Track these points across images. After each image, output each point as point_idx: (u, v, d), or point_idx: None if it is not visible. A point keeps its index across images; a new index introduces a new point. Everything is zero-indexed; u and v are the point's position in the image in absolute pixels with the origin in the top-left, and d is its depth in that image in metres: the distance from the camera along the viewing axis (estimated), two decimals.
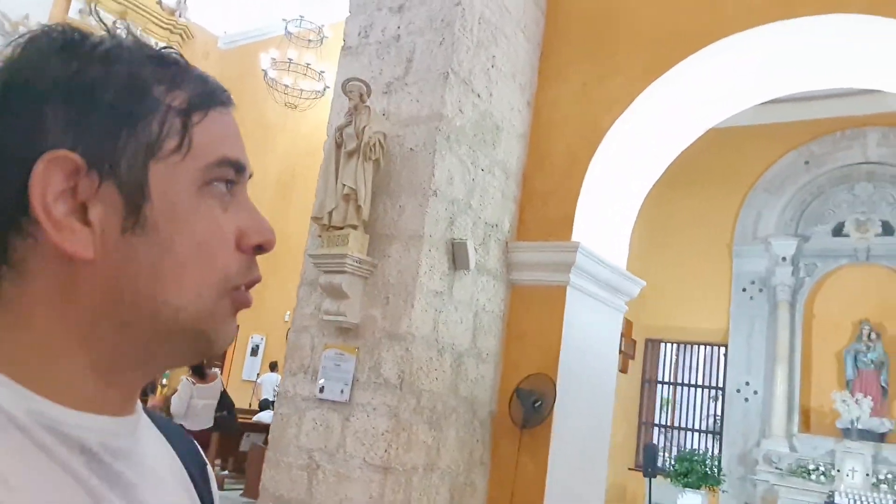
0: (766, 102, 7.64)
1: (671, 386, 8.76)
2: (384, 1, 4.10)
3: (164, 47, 0.57)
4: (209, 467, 0.68)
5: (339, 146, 3.70)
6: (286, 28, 9.58)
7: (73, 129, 0.50)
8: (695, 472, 6.59)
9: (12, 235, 0.50)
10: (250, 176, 0.59)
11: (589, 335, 4.29)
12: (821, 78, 4.16)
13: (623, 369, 8.07)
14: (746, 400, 7.46)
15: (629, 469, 8.02)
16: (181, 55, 0.58)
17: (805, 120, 7.61)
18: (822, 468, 6.63)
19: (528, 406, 3.85)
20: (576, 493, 4.12)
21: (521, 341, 4.12)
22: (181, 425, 0.65)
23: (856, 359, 7.06)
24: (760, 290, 7.66)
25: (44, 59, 0.51)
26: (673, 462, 7.19)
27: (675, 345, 8.79)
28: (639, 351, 8.51)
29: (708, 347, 8.45)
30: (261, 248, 0.57)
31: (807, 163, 7.68)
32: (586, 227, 4.25)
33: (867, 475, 6.36)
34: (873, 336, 7.01)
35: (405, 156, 3.72)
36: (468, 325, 3.86)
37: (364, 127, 3.62)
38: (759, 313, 7.58)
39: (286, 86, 9.62)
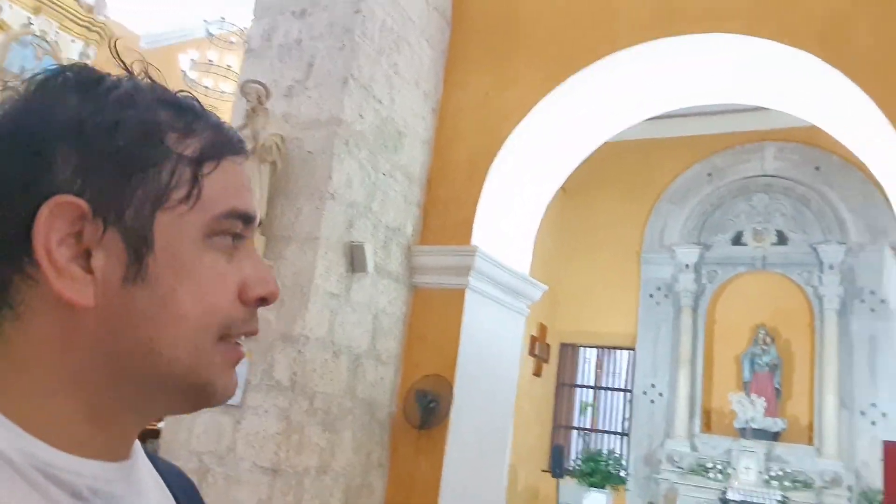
0: (673, 116, 8.02)
1: (593, 390, 9.00)
2: (287, 5, 4.11)
3: (181, 91, 0.57)
4: None
5: None
6: (207, 30, 9.42)
7: (82, 173, 0.49)
8: (599, 473, 6.81)
9: (14, 276, 0.49)
10: (260, 223, 0.60)
11: (488, 337, 4.39)
12: (706, 94, 4.39)
13: (537, 372, 8.27)
14: (652, 402, 7.74)
15: (542, 471, 8.19)
16: (198, 100, 0.57)
17: (709, 134, 7.98)
18: (719, 466, 6.96)
19: (425, 407, 3.91)
20: (472, 494, 4.19)
21: (422, 343, 4.19)
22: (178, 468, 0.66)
23: (752, 362, 7.44)
24: (666, 296, 7.97)
25: (58, 100, 0.51)
26: (580, 463, 7.39)
27: (597, 349, 9.04)
28: (553, 354, 8.71)
29: (623, 351, 8.72)
30: (264, 301, 0.56)
31: (709, 175, 8.06)
32: (486, 233, 4.36)
33: (760, 472, 6.70)
34: (768, 340, 7.41)
35: (304, 158, 3.73)
36: (367, 328, 3.90)
37: (261, 129, 3.63)
38: (665, 318, 7.89)
39: (206, 87, 9.46)
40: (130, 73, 0.55)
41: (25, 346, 0.50)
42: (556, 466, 6.59)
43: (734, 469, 6.87)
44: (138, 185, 0.50)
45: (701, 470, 7.00)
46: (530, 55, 4.34)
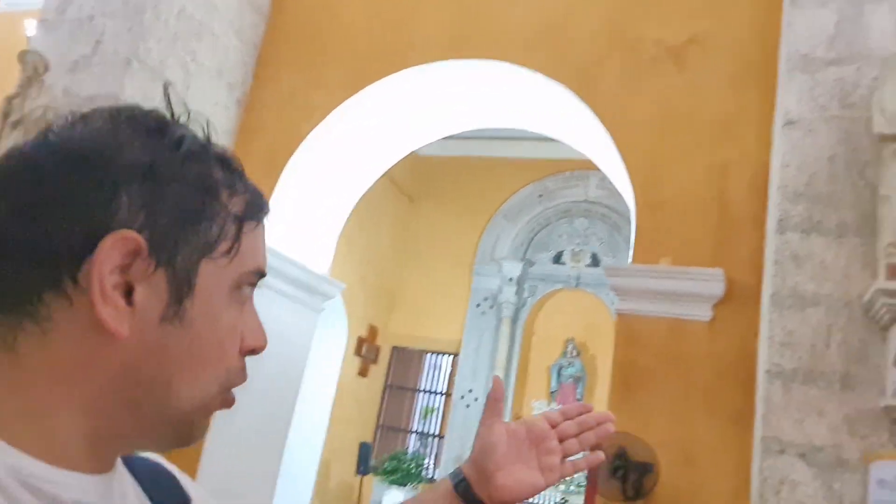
0: (515, 139, 8.46)
1: (433, 394, 9.23)
2: None
3: (226, 150, 0.60)
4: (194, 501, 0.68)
5: (6, 116, 3.61)
6: None
7: (145, 211, 0.52)
8: (401, 471, 7.04)
9: (48, 292, 0.50)
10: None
11: (271, 332, 4.47)
12: (493, 118, 4.71)
13: (362, 373, 8.42)
14: (468, 406, 8.09)
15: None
16: (239, 160, 0.61)
17: (545, 158, 8.45)
18: None
19: None
20: (238, 489, 4.23)
21: None
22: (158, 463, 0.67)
23: (559, 373, 7.95)
24: (491, 307, 8.37)
25: (128, 139, 0.53)
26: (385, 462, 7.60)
27: (434, 354, 9.30)
28: (384, 357, 8.90)
29: (451, 356, 9.03)
30: (253, 352, 0.60)
31: (540, 196, 8.54)
32: (280, 229, 4.45)
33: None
34: (575, 353, 7.94)
35: None
36: None
37: (31, 101, 3.57)
38: (488, 327, 8.28)
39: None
40: (187, 126, 0.58)
41: (42, 362, 0.51)
42: (362, 464, 6.76)
43: None
44: (193, 233, 0.54)
45: None
46: (338, 60, 4.50)
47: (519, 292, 8.26)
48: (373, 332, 8.51)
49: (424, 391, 9.21)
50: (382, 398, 8.96)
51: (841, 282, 2.26)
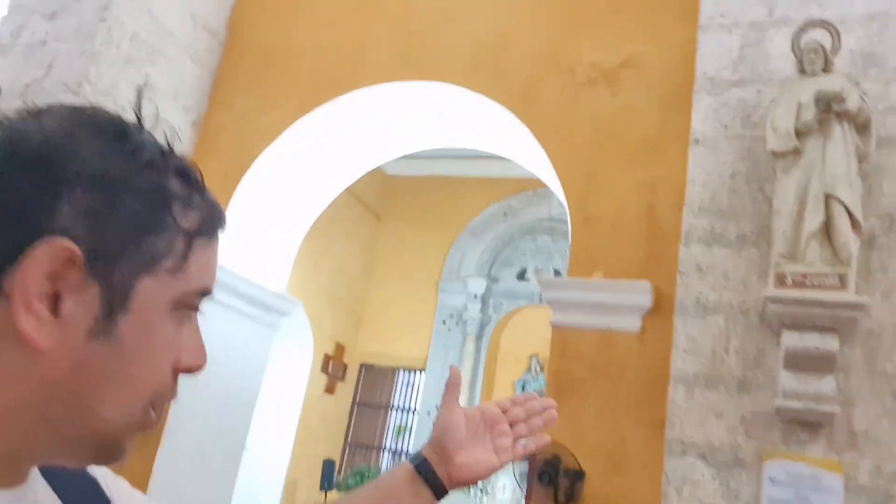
0: (481, 157, 8.61)
1: (406, 412, 9.28)
2: (39, 7, 4.17)
3: (186, 160, 0.57)
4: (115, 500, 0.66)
5: None
6: None
7: (88, 221, 0.49)
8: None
9: None
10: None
11: (225, 349, 4.53)
12: (442, 139, 4.85)
13: (329, 390, 8.46)
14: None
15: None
16: (200, 171, 0.58)
17: (509, 177, 8.61)
18: (479, 485, 7.43)
19: None
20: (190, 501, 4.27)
21: None
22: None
23: (523, 387, 8.05)
24: (457, 324, 8.47)
25: (83, 141, 0.50)
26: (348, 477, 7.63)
27: (408, 371, 9.37)
28: (352, 374, 8.94)
29: (418, 373, 9.10)
30: (189, 372, 0.57)
31: (505, 214, 8.69)
32: (234, 247, 4.53)
33: (514, 490, 7.23)
34: (539, 368, 8.06)
35: None
36: None
37: None
38: (454, 344, 8.37)
39: None
40: (150, 133, 0.55)
41: None
42: (325, 481, 6.79)
43: (493, 487, 7.37)
44: (137, 247, 0.51)
45: (464, 487, 7.43)
46: (291, 82, 4.62)
47: (484, 309, 8.37)
48: (340, 349, 8.56)
49: (397, 408, 9.26)
50: (351, 415, 8.99)
51: (739, 290, 2.39)
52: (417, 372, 8.98)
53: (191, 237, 0.54)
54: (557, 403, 2.82)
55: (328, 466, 6.96)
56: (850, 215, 2.16)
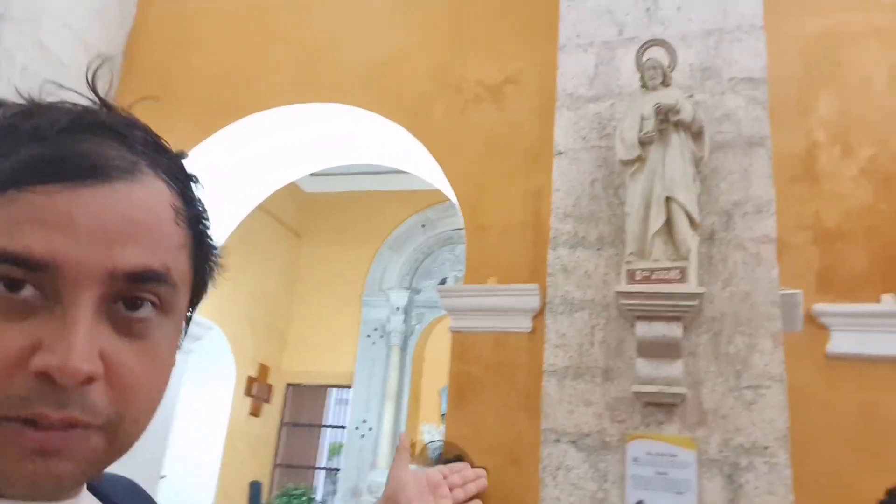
0: (398, 172, 8.79)
1: (339, 430, 9.28)
2: None
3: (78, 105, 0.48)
4: None
5: None
6: None
7: None
8: None
9: None
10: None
11: None
12: (345, 157, 4.98)
13: (254, 413, 8.41)
14: (363, 436, 8.21)
15: None
16: (90, 112, 0.49)
17: (425, 189, 8.78)
18: None
19: None
20: None
21: None
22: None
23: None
24: (381, 336, 8.57)
25: None
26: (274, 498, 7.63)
27: (340, 389, 9.39)
28: (278, 395, 8.92)
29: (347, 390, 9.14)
30: (44, 376, 0.42)
31: (423, 226, 8.87)
32: None
33: None
34: None
35: None
36: None
37: None
38: (379, 357, 8.46)
39: None
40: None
41: None
42: (252, 502, 6.77)
43: None
44: None
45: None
46: (191, 105, 4.66)
47: (407, 320, 8.50)
48: (264, 370, 8.53)
49: (330, 427, 9.28)
50: (279, 436, 8.96)
51: (601, 288, 2.60)
52: (349, 389, 9.04)
53: None
54: (458, 403, 2.98)
55: (255, 488, 6.94)
56: (688, 215, 2.41)
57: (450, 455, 3.39)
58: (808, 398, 3.10)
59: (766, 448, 2.28)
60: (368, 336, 8.63)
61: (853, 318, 3.13)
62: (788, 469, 2.25)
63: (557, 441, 2.47)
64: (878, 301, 3.14)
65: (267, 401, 8.56)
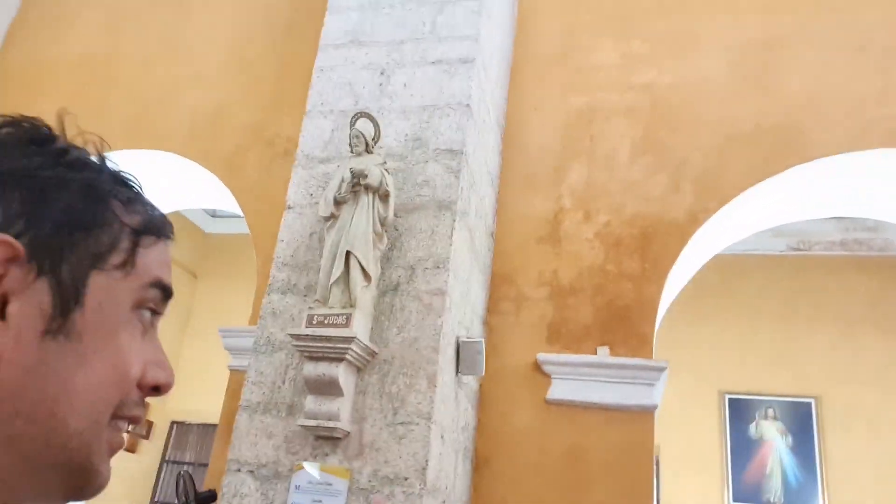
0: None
1: None
2: None
3: (122, 170, 0.57)
4: None
5: None
6: None
7: (26, 217, 0.48)
8: None
9: None
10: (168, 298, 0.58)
11: None
12: (178, 202, 5.24)
13: (131, 449, 8.44)
14: None
15: None
16: (139, 181, 0.58)
17: None
18: None
19: None
20: None
21: None
22: None
23: None
24: None
25: (8, 147, 0.51)
26: None
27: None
28: (161, 432, 8.95)
29: None
30: (157, 390, 0.55)
31: None
32: None
33: None
34: None
35: None
36: None
37: None
38: None
39: None
40: (78, 147, 0.55)
41: None
42: None
43: None
44: (80, 241, 0.50)
45: None
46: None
47: None
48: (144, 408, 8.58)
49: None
50: (159, 474, 8.95)
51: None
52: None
53: (136, 234, 0.54)
54: (226, 439, 3.17)
55: None
56: (362, 267, 2.70)
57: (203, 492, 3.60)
58: (526, 440, 3.38)
59: (405, 479, 2.54)
60: None
61: (571, 367, 3.43)
62: (422, 499, 2.51)
63: (238, 471, 2.70)
64: (595, 353, 3.46)
65: (146, 437, 8.59)
